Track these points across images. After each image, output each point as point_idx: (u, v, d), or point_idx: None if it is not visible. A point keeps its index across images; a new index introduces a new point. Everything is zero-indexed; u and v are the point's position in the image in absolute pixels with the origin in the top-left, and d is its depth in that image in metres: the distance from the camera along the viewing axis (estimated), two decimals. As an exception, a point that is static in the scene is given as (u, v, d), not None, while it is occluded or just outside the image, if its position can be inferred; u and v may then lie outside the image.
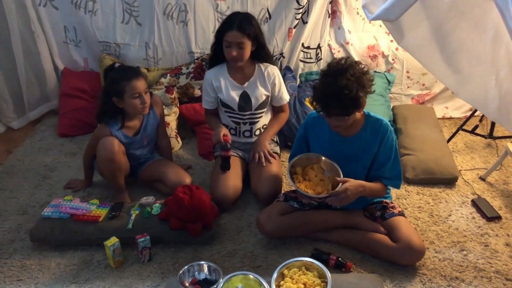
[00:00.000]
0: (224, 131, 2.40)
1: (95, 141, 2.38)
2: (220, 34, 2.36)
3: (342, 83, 1.83)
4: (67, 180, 2.70)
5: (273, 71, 2.53)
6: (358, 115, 2.04)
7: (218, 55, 2.48)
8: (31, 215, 2.43)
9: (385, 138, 2.06)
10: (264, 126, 2.63)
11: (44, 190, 2.64)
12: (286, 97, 2.61)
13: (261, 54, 2.48)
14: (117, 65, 2.39)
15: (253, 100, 2.50)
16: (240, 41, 2.31)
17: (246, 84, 2.50)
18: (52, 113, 3.51)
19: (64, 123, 3.22)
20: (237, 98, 2.50)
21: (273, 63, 2.60)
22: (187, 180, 2.47)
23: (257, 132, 2.62)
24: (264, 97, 2.53)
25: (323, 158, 2.17)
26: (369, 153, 2.09)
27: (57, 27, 3.29)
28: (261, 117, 2.58)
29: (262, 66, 2.52)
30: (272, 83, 2.52)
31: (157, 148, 2.69)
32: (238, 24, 2.30)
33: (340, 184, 2.02)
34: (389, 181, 2.14)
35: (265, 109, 2.58)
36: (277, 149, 2.71)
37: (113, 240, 2.04)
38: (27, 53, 3.23)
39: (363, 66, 1.93)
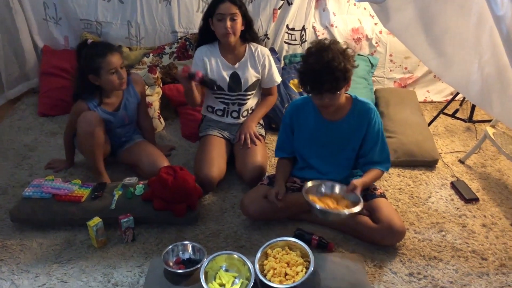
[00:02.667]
0: (184, 67, 2.31)
1: (74, 117, 2.35)
2: (210, 9, 2.35)
3: (329, 57, 1.85)
4: (48, 160, 2.66)
5: (263, 52, 2.53)
6: (344, 98, 2.05)
7: (207, 36, 2.46)
8: (11, 195, 2.39)
9: (372, 121, 2.07)
10: (252, 108, 2.63)
11: (24, 170, 2.60)
12: (277, 79, 2.61)
13: (250, 33, 2.48)
14: (89, 41, 2.33)
15: (243, 81, 2.50)
16: (233, 12, 2.31)
17: (237, 64, 2.49)
18: (32, 92, 3.44)
19: (44, 103, 3.16)
20: (227, 78, 2.49)
21: (259, 43, 2.59)
22: (164, 165, 2.40)
23: (245, 114, 2.61)
24: (254, 79, 2.52)
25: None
26: (357, 136, 2.11)
27: (36, 4, 3.21)
28: (249, 98, 2.58)
29: (253, 47, 2.52)
30: (262, 65, 2.52)
31: (139, 128, 2.67)
32: None
33: (360, 204, 1.94)
34: (380, 165, 2.15)
35: (254, 91, 2.58)
36: (262, 131, 2.71)
37: (96, 220, 2.03)
38: (5, 30, 3.14)
39: (342, 43, 1.96)
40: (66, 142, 2.51)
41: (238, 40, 2.44)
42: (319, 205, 1.93)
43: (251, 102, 2.61)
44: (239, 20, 2.35)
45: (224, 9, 2.30)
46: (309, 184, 2.07)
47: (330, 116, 2.10)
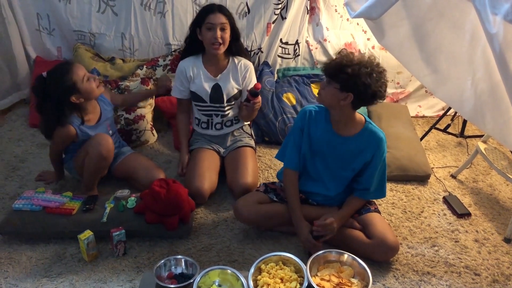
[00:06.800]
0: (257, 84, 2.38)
1: (60, 142, 2.31)
2: (199, 18, 2.37)
3: (361, 65, 1.84)
4: (38, 171, 2.61)
5: (246, 64, 2.54)
6: (357, 117, 2.04)
7: (193, 46, 2.49)
8: (0, 207, 2.35)
9: (381, 150, 2.05)
10: (236, 117, 2.63)
11: (14, 181, 2.57)
12: None
13: (236, 46, 2.49)
14: (44, 74, 2.25)
15: (224, 93, 2.51)
16: (223, 22, 2.33)
17: (218, 76, 2.50)
18: (23, 103, 3.41)
19: (36, 113, 3.10)
20: (209, 90, 2.50)
21: (247, 57, 2.60)
22: (161, 176, 2.43)
23: (228, 124, 2.61)
24: (235, 91, 2.53)
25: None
26: (360, 158, 2.07)
27: (29, 14, 3.20)
28: (231, 109, 2.58)
29: (236, 59, 2.53)
30: (243, 77, 2.53)
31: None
32: (219, 7, 2.36)
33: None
34: (374, 194, 2.17)
35: (235, 102, 2.58)
36: (252, 142, 2.70)
37: (87, 234, 2.00)
38: (-3, 40, 3.13)
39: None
40: (54, 162, 2.44)
41: (222, 54, 2.45)
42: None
43: (232, 112, 2.60)
44: (228, 30, 2.37)
45: (215, 18, 2.32)
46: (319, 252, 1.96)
47: (340, 130, 2.07)
